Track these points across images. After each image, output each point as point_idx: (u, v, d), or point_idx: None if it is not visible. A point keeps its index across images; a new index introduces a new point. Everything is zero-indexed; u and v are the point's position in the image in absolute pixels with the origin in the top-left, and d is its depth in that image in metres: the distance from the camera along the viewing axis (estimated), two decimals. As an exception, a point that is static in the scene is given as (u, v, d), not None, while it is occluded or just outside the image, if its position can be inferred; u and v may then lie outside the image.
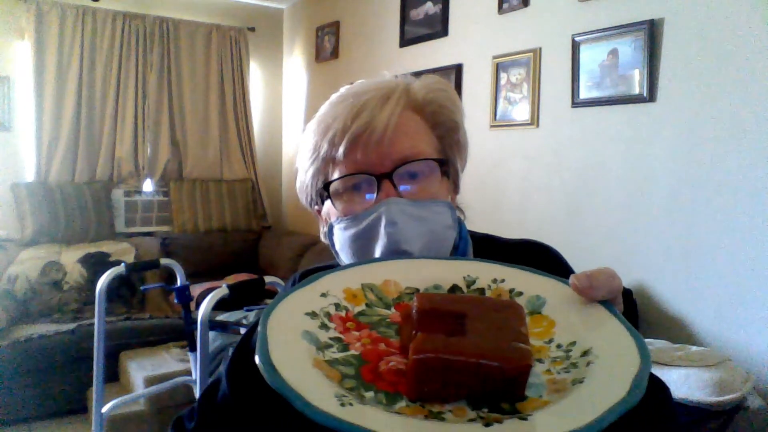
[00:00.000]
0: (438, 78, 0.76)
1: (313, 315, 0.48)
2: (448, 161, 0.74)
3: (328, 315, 0.49)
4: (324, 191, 0.72)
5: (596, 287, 0.49)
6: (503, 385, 0.40)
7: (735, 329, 1.99)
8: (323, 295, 0.51)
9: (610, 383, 0.39)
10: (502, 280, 0.55)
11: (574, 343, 0.46)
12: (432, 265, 0.58)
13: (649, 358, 0.42)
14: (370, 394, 0.40)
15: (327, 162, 0.71)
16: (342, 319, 0.49)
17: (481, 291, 0.55)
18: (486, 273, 0.56)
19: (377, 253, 0.66)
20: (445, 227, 0.69)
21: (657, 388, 0.62)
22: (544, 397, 0.41)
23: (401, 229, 0.65)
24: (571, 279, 0.50)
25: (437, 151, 0.73)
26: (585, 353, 0.44)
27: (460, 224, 0.76)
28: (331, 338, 0.46)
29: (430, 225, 0.67)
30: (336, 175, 0.70)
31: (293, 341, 0.43)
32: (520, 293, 0.53)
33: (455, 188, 0.78)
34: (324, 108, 0.73)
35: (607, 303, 0.49)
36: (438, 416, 0.39)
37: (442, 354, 0.40)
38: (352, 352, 0.46)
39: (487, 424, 0.37)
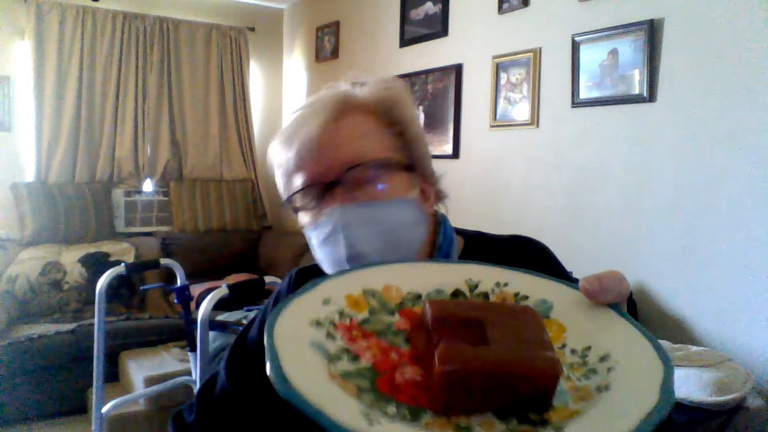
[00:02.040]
0: (386, 78, 0.77)
1: (318, 324, 0.47)
2: (409, 153, 0.73)
3: (332, 324, 0.48)
4: (289, 206, 0.74)
5: (606, 290, 0.49)
6: (532, 395, 0.40)
7: (735, 329, 1.99)
8: (325, 302, 0.49)
9: (638, 390, 0.38)
10: (506, 284, 0.54)
11: (589, 348, 0.45)
12: (432, 269, 0.57)
13: (670, 361, 0.41)
14: (392, 410, 0.39)
15: (288, 177, 0.73)
16: (347, 328, 0.48)
17: (485, 295, 0.53)
18: (488, 276, 0.55)
19: (344, 259, 0.67)
20: (404, 225, 0.69)
21: None
22: (570, 405, 0.40)
23: (354, 233, 0.66)
24: (581, 282, 0.50)
25: (394, 149, 0.72)
26: (603, 358, 0.44)
27: (443, 221, 0.76)
28: (339, 349, 0.45)
29: (385, 225, 0.68)
30: (294, 190, 0.72)
31: (304, 353, 0.42)
32: (526, 297, 0.52)
33: (428, 179, 0.76)
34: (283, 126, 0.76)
35: (614, 306, 0.49)
36: (467, 430, 0.38)
37: (472, 365, 0.39)
38: (364, 363, 0.44)
39: None
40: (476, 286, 0.54)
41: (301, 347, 0.43)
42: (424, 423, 0.38)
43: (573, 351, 0.46)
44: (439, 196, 0.78)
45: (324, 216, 0.69)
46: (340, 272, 0.55)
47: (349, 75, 0.76)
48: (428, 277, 0.55)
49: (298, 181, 0.71)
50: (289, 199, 0.72)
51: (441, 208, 0.79)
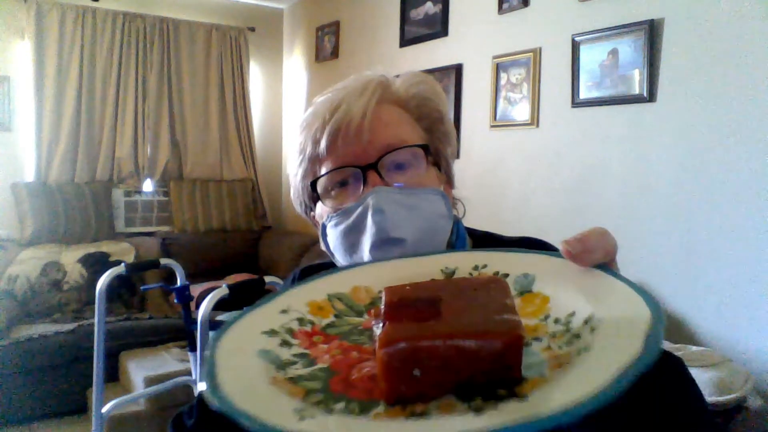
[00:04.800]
0: (418, 72, 0.76)
1: (272, 333, 0.44)
2: (437, 150, 0.73)
3: (290, 331, 0.45)
4: (313, 192, 0.71)
5: (590, 250, 0.44)
6: (494, 368, 0.34)
7: (735, 329, 1.99)
8: (283, 311, 0.47)
9: (619, 345, 0.34)
10: (484, 266, 0.50)
11: (573, 314, 0.41)
12: (405, 264, 0.54)
13: (660, 310, 0.35)
14: (340, 405, 0.35)
15: (313, 161, 0.71)
16: (308, 334, 0.45)
17: None
18: (465, 261, 0.51)
19: (366, 246, 0.64)
20: (438, 216, 0.67)
21: (670, 362, 0.55)
22: (546, 374, 0.35)
23: (389, 216, 0.63)
24: (562, 246, 0.45)
25: (424, 141, 0.72)
26: (587, 321, 0.39)
27: (456, 222, 0.75)
28: (294, 355, 0.42)
29: (421, 213, 0.66)
30: (323, 172, 0.70)
31: (246, 362, 0.39)
32: (506, 275, 0.49)
33: (449, 181, 0.77)
34: (308, 109, 0.74)
35: (604, 267, 0.44)
36: (422, 416, 0.33)
37: (415, 341, 0.35)
38: (320, 365, 0.41)
39: (478, 410, 0.32)
40: (453, 273, 0.51)
41: (245, 356, 0.40)
42: (373, 414, 0.34)
43: (557, 320, 0.42)
44: (453, 198, 0.78)
45: (354, 200, 0.66)
46: (303, 281, 0.52)
47: (376, 70, 0.75)
48: (401, 273, 0.52)
49: (329, 163, 0.68)
50: (315, 182, 0.70)
51: (457, 210, 0.78)
